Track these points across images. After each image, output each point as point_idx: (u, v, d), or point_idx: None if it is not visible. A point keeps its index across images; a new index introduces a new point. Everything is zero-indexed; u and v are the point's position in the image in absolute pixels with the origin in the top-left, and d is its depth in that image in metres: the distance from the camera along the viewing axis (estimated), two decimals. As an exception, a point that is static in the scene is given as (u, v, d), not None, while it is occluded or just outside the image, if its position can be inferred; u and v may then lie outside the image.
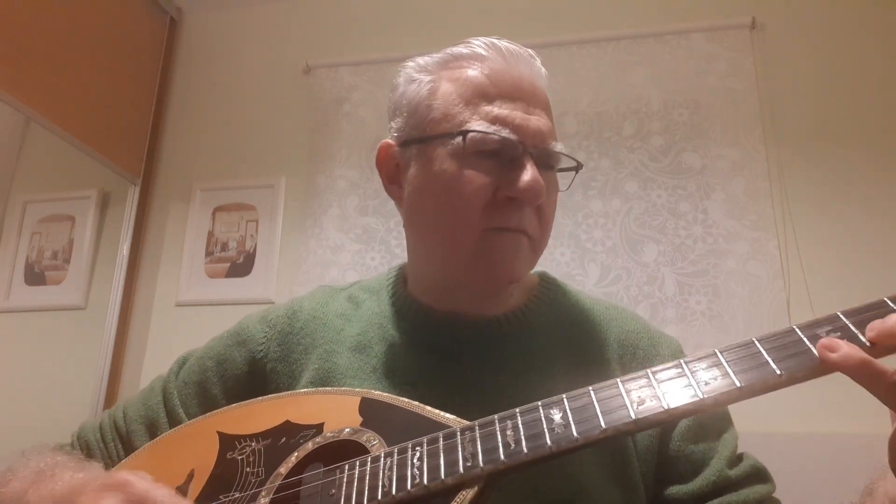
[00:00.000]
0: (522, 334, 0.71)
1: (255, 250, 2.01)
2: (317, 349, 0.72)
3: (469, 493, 0.45)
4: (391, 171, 0.73)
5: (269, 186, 2.06)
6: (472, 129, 0.64)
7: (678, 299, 1.71)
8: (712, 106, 1.85)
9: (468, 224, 0.64)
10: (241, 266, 2.00)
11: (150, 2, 2.20)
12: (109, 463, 0.71)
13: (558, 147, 0.67)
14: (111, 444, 0.73)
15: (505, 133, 0.64)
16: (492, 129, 0.64)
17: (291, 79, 2.16)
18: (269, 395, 0.65)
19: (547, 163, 0.67)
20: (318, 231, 1.96)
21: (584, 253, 1.79)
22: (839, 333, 0.41)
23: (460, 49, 0.70)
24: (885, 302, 0.42)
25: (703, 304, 1.69)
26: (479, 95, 0.66)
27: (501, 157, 0.64)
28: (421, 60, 0.72)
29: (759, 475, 0.64)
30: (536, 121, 0.66)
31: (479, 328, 0.70)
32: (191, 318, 1.97)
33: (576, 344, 0.71)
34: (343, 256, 1.92)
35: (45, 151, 2.15)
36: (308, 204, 2.00)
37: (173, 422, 0.72)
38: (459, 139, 0.64)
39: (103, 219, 2.11)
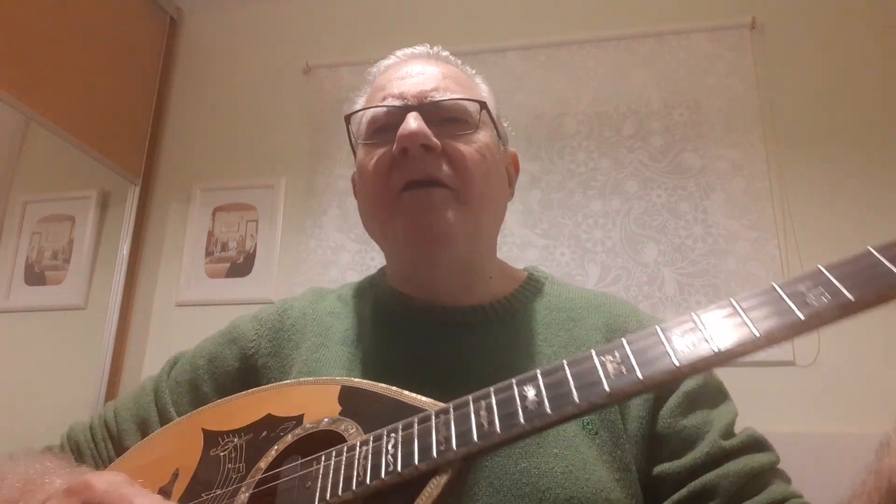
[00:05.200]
0: (508, 321, 0.71)
1: (255, 250, 2.01)
2: (306, 343, 0.73)
3: (442, 479, 0.45)
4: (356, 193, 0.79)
5: (269, 186, 2.06)
6: (351, 111, 0.72)
7: (678, 299, 1.71)
8: (712, 106, 1.85)
9: (379, 193, 0.68)
10: (241, 266, 2.00)
11: (150, 2, 2.20)
12: (100, 464, 0.70)
13: (442, 96, 0.69)
14: (101, 444, 0.72)
15: (387, 102, 0.69)
16: (376, 104, 0.70)
17: (291, 79, 2.16)
18: (254, 389, 0.66)
19: (442, 116, 0.68)
20: (318, 231, 1.96)
21: (584, 253, 1.79)
22: (820, 289, 0.40)
23: (376, 66, 0.78)
24: (871, 252, 0.40)
25: (703, 304, 1.68)
26: (377, 90, 0.72)
27: (394, 125, 0.67)
28: (360, 95, 0.79)
29: (756, 444, 0.62)
30: (420, 84, 0.70)
31: (463, 315, 0.71)
32: (191, 318, 1.97)
33: (563, 329, 0.71)
34: (343, 256, 1.92)
35: (45, 151, 2.16)
36: (308, 204, 2.00)
37: (164, 421, 0.72)
38: (355, 128, 0.72)
39: (103, 219, 2.11)
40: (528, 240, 1.81)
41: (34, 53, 1.74)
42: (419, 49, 0.77)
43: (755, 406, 1.51)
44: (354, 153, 0.74)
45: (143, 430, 0.72)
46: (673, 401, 0.64)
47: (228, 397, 0.66)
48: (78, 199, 2.13)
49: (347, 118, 0.74)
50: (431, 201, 0.65)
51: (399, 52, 0.77)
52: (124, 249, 2.04)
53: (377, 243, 0.76)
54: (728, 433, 0.62)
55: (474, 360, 0.67)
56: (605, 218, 1.81)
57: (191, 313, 1.98)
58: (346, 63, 2.12)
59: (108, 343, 1.95)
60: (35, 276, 2.07)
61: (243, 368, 0.73)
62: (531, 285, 0.76)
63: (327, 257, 1.93)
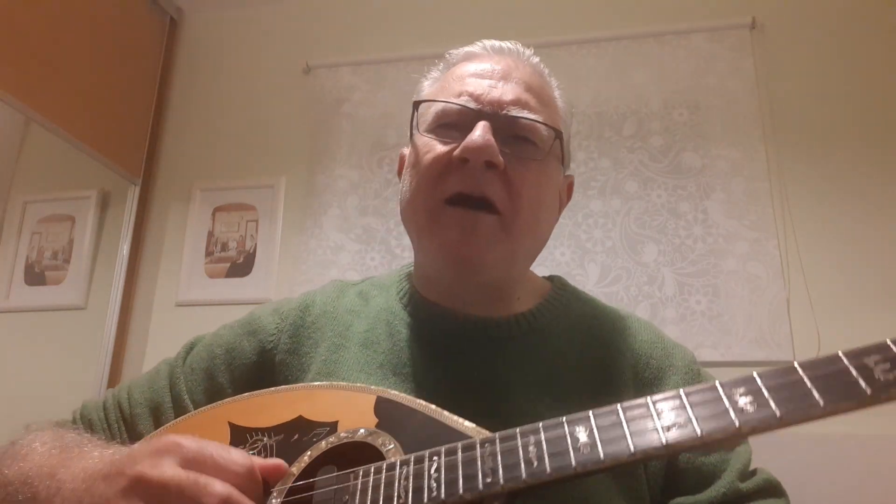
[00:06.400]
0: (532, 337, 0.69)
1: (255, 250, 2.01)
2: (325, 342, 0.72)
3: None
4: (401, 172, 0.76)
5: (269, 186, 2.06)
6: (424, 99, 0.69)
7: (678, 299, 1.71)
8: (712, 106, 1.85)
9: (427, 193, 0.66)
10: (241, 266, 2.00)
11: (150, 2, 2.20)
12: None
13: (519, 113, 0.65)
14: (115, 425, 0.72)
15: (462, 101, 0.66)
16: (450, 99, 0.67)
17: (291, 79, 2.16)
18: (283, 387, 0.64)
19: (513, 132, 0.66)
20: (318, 231, 1.96)
21: (585, 253, 1.79)
22: (888, 364, 0.39)
23: (460, 50, 0.75)
24: None
25: (703, 304, 1.69)
26: (454, 80, 0.69)
27: (462, 127, 0.65)
28: (433, 71, 0.77)
29: (772, 489, 0.62)
30: (500, 90, 0.67)
31: (486, 328, 0.69)
32: (191, 318, 1.97)
33: (587, 350, 0.69)
34: (343, 256, 1.92)
35: (45, 151, 2.15)
36: (308, 204, 2.00)
37: (178, 407, 0.71)
38: (421, 114, 0.68)
39: (103, 219, 2.11)
40: (528, 240, 1.81)
41: (34, 53, 1.73)
42: (508, 45, 0.73)
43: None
44: (412, 134, 0.71)
45: (156, 415, 0.71)
46: None
47: (255, 392, 0.64)
48: (78, 199, 2.12)
49: (416, 104, 0.70)
50: (476, 228, 0.63)
51: (487, 43, 0.73)
52: (124, 249, 2.04)
53: (408, 234, 0.73)
54: (745, 475, 0.62)
55: (495, 374, 0.66)
56: (605, 218, 1.81)
57: (191, 313, 1.98)
58: (346, 63, 2.12)
59: (108, 343, 1.95)
60: (35, 276, 2.07)
61: (260, 362, 0.72)
62: (556, 298, 0.74)
63: (327, 257, 1.93)
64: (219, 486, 0.45)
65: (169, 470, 0.45)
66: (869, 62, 1.80)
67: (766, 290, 1.66)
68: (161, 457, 0.47)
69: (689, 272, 1.73)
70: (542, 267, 1.82)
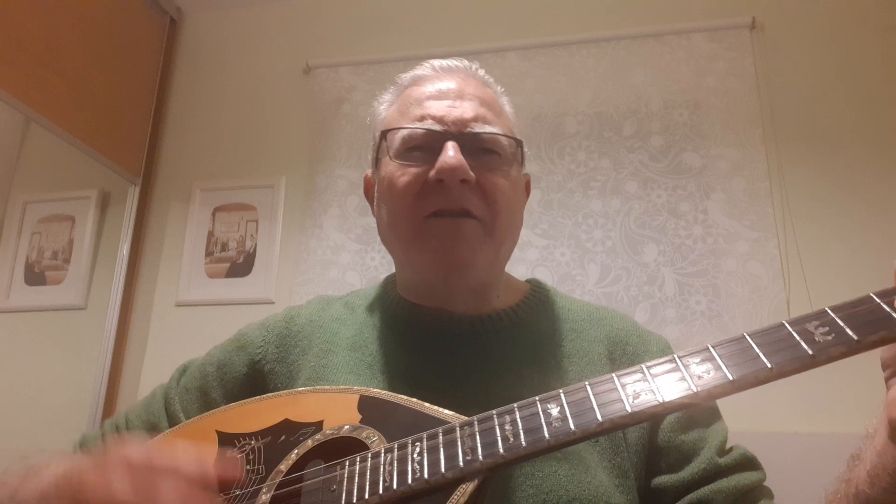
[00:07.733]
0: (513, 331, 0.73)
1: (255, 250, 2.01)
2: (313, 349, 0.74)
3: (469, 487, 0.46)
4: (371, 196, 0.78)
5: (269, 186, 2.06)
6: (391, 127, 0.71)
7: (678, 299, 1.71)
8: (712, 106, 1.85)
9: (408, 214, 0.68)
10: (241, 266, 2.00)
11: (150, 2, 2.20)
12: None
13: (482, 129, 0.69)
14: None
15: (427, 125, 0.69)
16: (415, 124, 0.69)
17: (291, 79, 2.16)
18: (268, 395, 0.66)
19: (478, 147, 0.69)
20: (318, 231, 1.96)
21: (584, 253, 1.79)
22: (827, 328, 0.43)
23: (409, 74, 0.78)
24: (872, 297, 0.43)
25: (703, 304, 1.69)
26: (412, 104, 0.72)
27: (430, 148, 0.68)
28: (385, 95, 0.80)
29: (749, 463, 0.66)
30: (460, 109, 0.70)
31: (471, 325, 0.72)
32: (191, 318, 1.97)
33: (566, 340, 0.73)
34: (343, 256, 1.92)
35: (45, 151, 2.16)
36: (308, 204, 2.00)
37: (174, 426, 0.72)
38: (388, 141, 0.71)
39: (103, 219, 2.11)
40: (528, 240, 1.81)
41: (34, 53, 1.73)
42: (455, 63, 0.76)
43: (754, 404, 1.52)
44: (377, 160, 0.75)
45: (153, 435, 0.72)
46: (672, 416, 0.67)
47: (241, 401, 0.66)
48: (78, 199, 2.13)
49: (384, 133, 0.73)
50: (461, 232, 0.67)
51: (436, 63, 0.77)
52: (124, 249, 2.04)
53: (391, 254, 0.76)
54: (722, 451, 0.66)
55: (481, 367, 0.69)
56: (605, 218, 1.81)
57: (191, 313, 1.98)
58: (346, 63, 2.12)
59: (108, 343, 1.95)
60: (35, 276, 2.07)
61: (251, 374, 0.74)
62: (535, 297, 0.78)
63: (327, 257, 1.93)
64: (170, 499, 0.44)
65: (118, 489, 0.45)
66: (868, 62, 1.80)
67: (766, 290, 1.66)
68: (109, 474, 0.46)
69: (689, 272, 1.73)
70: (542, 267, 1.83)
